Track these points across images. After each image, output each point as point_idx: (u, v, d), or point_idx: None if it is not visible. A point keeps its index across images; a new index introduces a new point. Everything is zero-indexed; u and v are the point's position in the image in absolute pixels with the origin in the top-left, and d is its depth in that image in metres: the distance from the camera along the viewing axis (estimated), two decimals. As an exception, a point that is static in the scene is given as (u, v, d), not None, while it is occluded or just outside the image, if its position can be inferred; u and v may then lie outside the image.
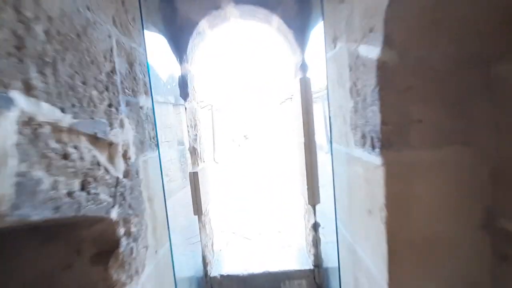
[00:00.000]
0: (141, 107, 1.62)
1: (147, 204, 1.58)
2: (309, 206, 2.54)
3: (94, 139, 1.12)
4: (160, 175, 1.75)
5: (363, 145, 1.36)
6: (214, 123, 11.51)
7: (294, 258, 2.88)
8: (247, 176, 8.15)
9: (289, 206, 5.01)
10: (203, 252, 2.57)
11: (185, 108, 2.38)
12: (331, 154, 1.79)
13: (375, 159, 1.18)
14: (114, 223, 1.21)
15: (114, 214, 1.21)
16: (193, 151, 2.49)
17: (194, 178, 2.43)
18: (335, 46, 1.66)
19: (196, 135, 2.56)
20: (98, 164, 1.13)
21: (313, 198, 2.46)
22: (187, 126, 2.39)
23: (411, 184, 1.13)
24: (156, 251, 1.64)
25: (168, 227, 1.81)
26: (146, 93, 1.69)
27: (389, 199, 1.14)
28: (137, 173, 1.49)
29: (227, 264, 2.87)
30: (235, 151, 15.83)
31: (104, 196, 1.14)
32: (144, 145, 1.61)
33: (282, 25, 2.34)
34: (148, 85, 1.71)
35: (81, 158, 1.02)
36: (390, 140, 1.12)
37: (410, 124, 1.11)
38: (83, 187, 1.02)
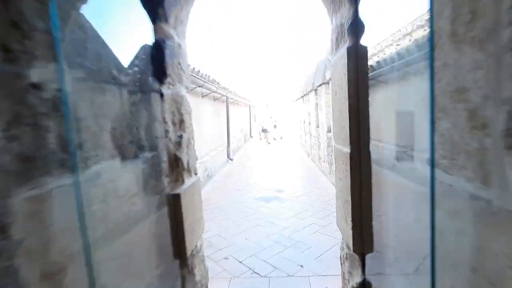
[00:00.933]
0: (34, 86, 0.81)
1: (39, 288, 0.79)
2: (354, 253, 1.67)
3: None
4: (80, 217, 0.94)
5: None
6: (230, 116, 10.73)
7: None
8: (264, 177, 7.32)
9: (314, 226, 4.15)
10: (188, 312, 1.77)
11: (161, 95, 1.56)
12: (431, 188, 0.90)
13: None
14: None
15: None
16: (175, 162, 1.67)
17: (174, 205, 1.62)
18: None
19: (181, 136, 1.74)
20: None
21: (362, 243, 1.58)
22: (163, 123, 1.57)
23: None
24: None
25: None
26: (53, 58, 0.88)
27: None
28: (2, 230, 0.70)
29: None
30: (252, 147, 15.02)
31: None
32: (37, 165, 0.81)
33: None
34: (57, 44, 0.89)
35: None
36: None
37: None
38: None
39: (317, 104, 8.25)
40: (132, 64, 1.48)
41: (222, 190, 6.16)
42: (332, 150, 6.15)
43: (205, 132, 7.42)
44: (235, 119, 13.05)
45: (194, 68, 5.45)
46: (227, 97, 9.95)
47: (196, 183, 1.95)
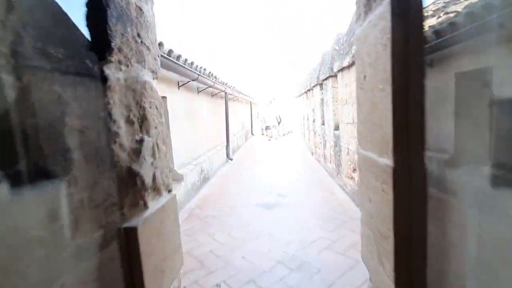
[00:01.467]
0: None
1: None
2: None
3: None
4: None
5: None
6: (229, 113, 10.19)
7: None
8: (266, 179, 6.80)
9: (322, 240, 3.64)
10: None
11: (103, 79, 1.04)
12: None
13: None
14: None
15: None
16: (129, 179, 1.15)
17: (128, 243, 1.10)
18: None
19: (141, 141, 1.22)
20: None
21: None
22: (109, 122, 1.05)
23: None
24: None
25: None
26: None
27: None
28: None
29: None
30: (253, 145, 14.50)
31: None
32: None
33: None
34: None
35: None
36: None
37: None
38: None
39: (322, 100, 7.69)
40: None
41: (219, 195, 5.65)
42: (339, 149, 5.62)
43: (201, 131, 6.90)
44: (235, 116, 12.51)
45: (186, 60, 4.92)
46: (226, 93, 9.40)
47: (169, 204, 1.43)
